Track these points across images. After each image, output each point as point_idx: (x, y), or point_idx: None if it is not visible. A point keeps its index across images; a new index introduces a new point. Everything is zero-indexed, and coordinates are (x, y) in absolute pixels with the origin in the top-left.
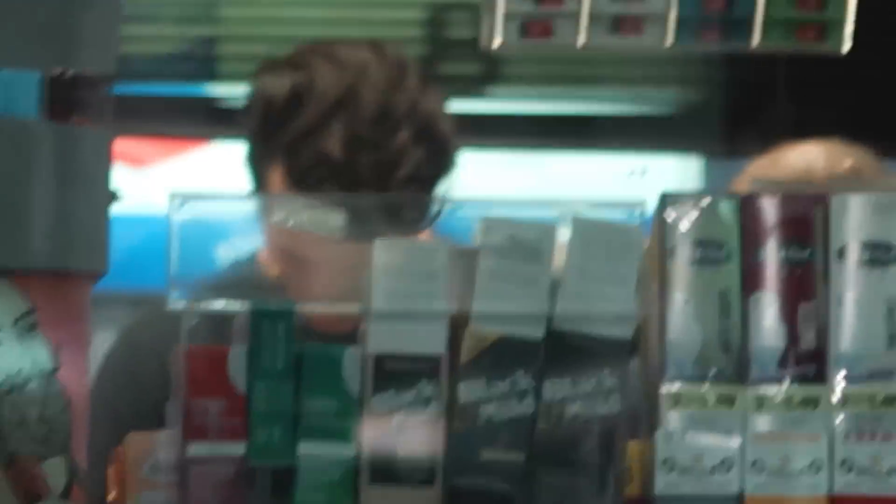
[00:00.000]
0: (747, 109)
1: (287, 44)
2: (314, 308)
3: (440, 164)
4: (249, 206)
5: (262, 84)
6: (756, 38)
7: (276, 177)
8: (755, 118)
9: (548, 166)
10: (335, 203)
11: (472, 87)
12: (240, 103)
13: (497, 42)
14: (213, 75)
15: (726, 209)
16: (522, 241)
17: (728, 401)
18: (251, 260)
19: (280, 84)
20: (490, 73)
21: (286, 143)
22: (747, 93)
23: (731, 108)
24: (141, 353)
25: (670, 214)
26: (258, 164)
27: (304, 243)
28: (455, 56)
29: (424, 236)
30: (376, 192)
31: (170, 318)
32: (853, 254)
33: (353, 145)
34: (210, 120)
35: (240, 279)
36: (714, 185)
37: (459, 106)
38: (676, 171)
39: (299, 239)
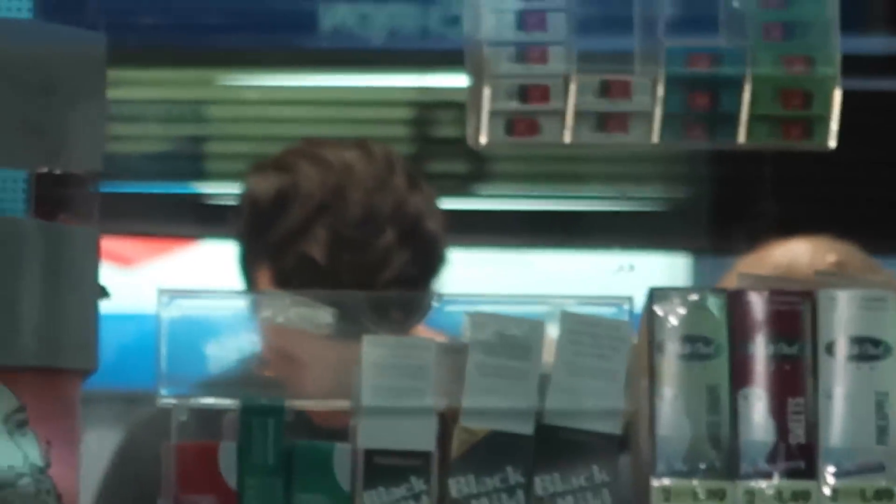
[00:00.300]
0: (734, 206)
1: (274, 143)
2: (303, 404)
3: (427, 264)
4: (238, 303)
5: (249, 186)
6: (742, 136)
7: (264, 278)
8: (742, 215)
9: (535, 263)
10: (324, 299)
11: (459, 185)
12: (227, 202)
13: (483, 140)
14: (200, 174)
15: (714, 305)
16: (511, 337)
17: (718, 495)
18: (253, 358)
19: (266, 186)
20: (477, 171)
21: (272, 245)
22: (734, 190)
23: (718, 204)
24: (143, 450)
25: (659, 310)
26: (247, 264)
27: (293, 340)
28: (442, 154)
29: (417, 332)
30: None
31: (166, 417)
32: (841, 349)
33: (337, 248)
34: (197, 219)
35: (237, 377)
36: (702, 282)
37: (447, 204)
38: (664, 267)
39: (289, 336)
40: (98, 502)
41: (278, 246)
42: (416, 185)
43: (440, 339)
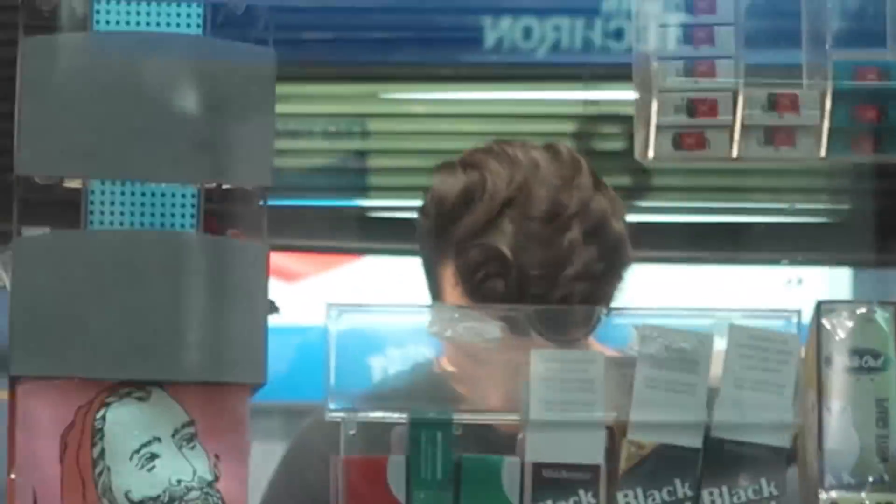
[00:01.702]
0: None
1: (437, 157)
2: (473, 419)
3: (611, 262)
4: (406, 317)
5: (435, 184)
6: None
7: (448, 274)
8: None
9: (702, 277)
10: (495, 312)
11: (623, 199)
12: (391, 216)
13: (651, 154)
14: (364, 189)
15: (882, 318)
16: (679, 350)
17: None
18: (427, 364)
19: (453, 183)
20: (643, 184)
21: (458, 241)
22: None
23: (883, 218)
24: (311, 458)
25: (827, 323)
26: (431, 262)
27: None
28: (607, 168)
29: (586, 344)
30: (545, 289)
31: (335, 425)
32: None
33: (523, 242)
34: (362, 233)
35: (410, 387)
36: (864, 295)
37: None
38: (827, 280)
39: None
40: None
41: (464, 241)
42: (600, 186)
43: (608, 352)
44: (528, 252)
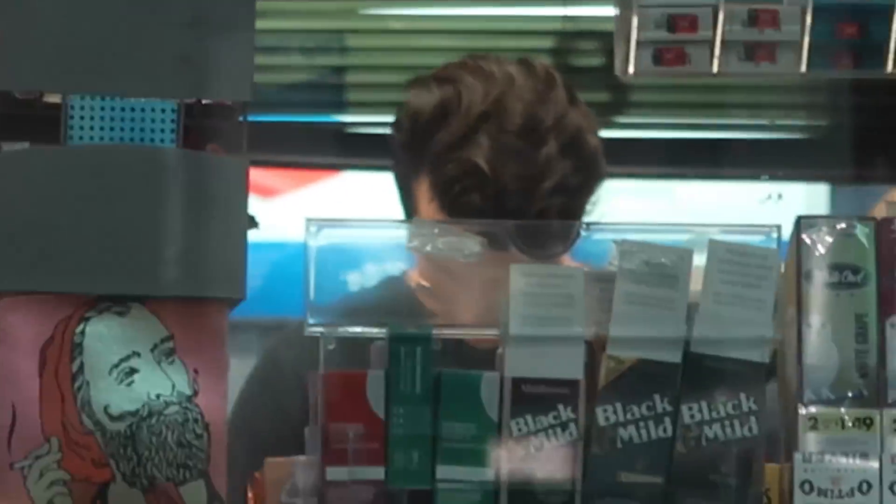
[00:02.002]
0: (878, 136)
1: (416, 73)
2: (452, 333)
3: (587, 176)
4: (385, 233)
5: (410, 98)
6: (890, 65)
7: (423, 189)
8: (885, 144)
9: (681, 193)
10: (474, 227)
11: (602, 115)
12: (370, 131)
13: (631, 70)
14: (343, 105)
15: (862, 233)
16: (659, 266)
17: (866, 423)
18: (400, 278)
19: (427, 98)
20: (621, 100)
21: (433, 154)
22: (878, 119)
23: (862, 134)
24: (282, 373)
25: (807, 238)
26: (405, 179)
27: (443, 267)
28: (586, 84)
29: (562, 262)
30: (521, 203)
31: (309, 340)
32: None
33: (500, 156)
34: (340, 149)
35: (380, 302)
36: (843, 211)
37: None
38: (805, 196)
39: (439, 263)
40: (235, 418)
41: (440, 155)
42: (575, 101)
43: (587, 268)
44: (505, 166)
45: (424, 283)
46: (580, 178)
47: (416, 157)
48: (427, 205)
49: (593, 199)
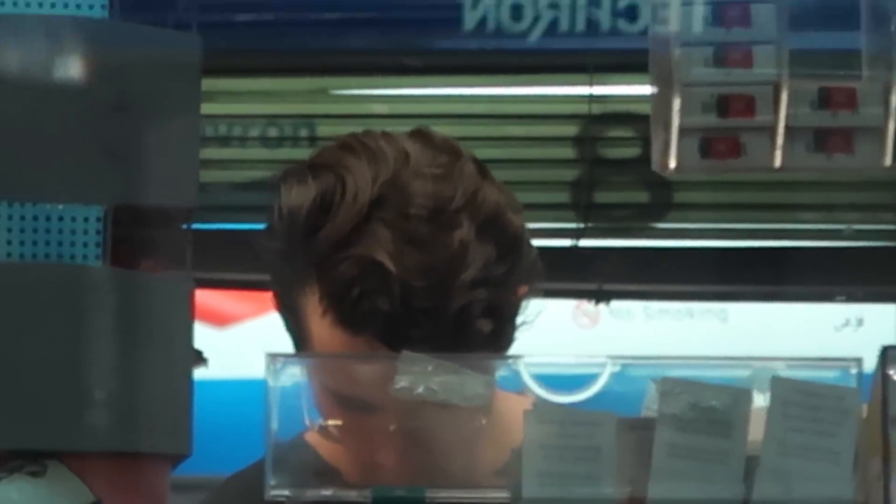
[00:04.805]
0: None
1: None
2: (450, 496)
3: (512, 264)
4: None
5: (281, 196)
6: None
7: (311, 303)
8: None
9: (734, 316)
10: (477, 360)
11: (637, 219)
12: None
13: (672, 164)
14: None
15: None
16: (709, 410)
17: None
18: (297, 441)
19: (303, 191)
20: (660, 201)
21: (318, 257)
22: None
23: None
24: None
25: (894, 373)
26: (287, 294)
27: (426, 415)
28: (617, 182)
29: (517, 400)
30: (437, 301)
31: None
32: None
33: (402, 247)
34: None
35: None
36: None
37: (624, 241)
38: (893, 321)
39: (421, 410)
40: None
41: (327, 257)
42: (486, 174)
43: (612, 415)
44: (411, 257)
45: (332, 431)
46: (506, 266)
47: (297, 266)
48: (319, 321)
49: (526, 295)
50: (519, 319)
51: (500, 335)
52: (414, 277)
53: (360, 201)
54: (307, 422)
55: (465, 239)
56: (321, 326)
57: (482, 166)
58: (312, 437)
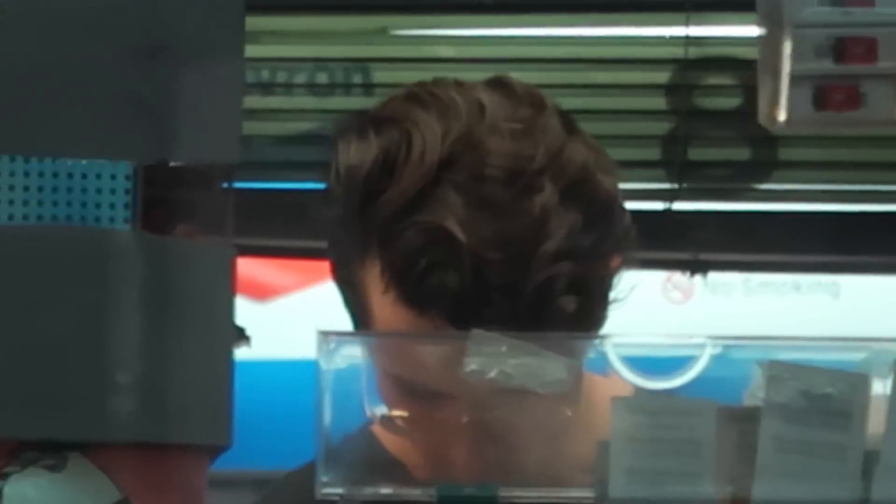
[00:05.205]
0: None
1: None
2: (526, 495)
3: (603, 232)
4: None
5: (339, 154)
6: None
7: (372, 276)
8: None
9: (849, 291)
10: (557, 340)
11: (739, 179)
12: None
13: (781, 116)
14: None
15: None
16: (823, 398)
17: None
18: (364, 433)
19: (364, 149)
20: (765, 159)
21: (380, 224)
22: None
23: None
24: None
25: None
26: (347, 265)
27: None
28: (714, 136)
29: (611, 388)
30: (514, 277)
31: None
32: None
33: (476, 214)
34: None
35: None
36: None
37: (721, 204)
38: None
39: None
40: None
41: (390, 224)
42: (574, 130)
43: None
44: (485, 226)
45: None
46: (594, 236)
47: (357, 233)
48: (380, 298)
49: (615, 268)
50: (610, 296)
51: (587, 314)
52: (488, 249)
53: (428, 161)
54: (367, 411)
55: (548, 204)
56: (382, 303)
57: (569, 120)
58: (378, 429)
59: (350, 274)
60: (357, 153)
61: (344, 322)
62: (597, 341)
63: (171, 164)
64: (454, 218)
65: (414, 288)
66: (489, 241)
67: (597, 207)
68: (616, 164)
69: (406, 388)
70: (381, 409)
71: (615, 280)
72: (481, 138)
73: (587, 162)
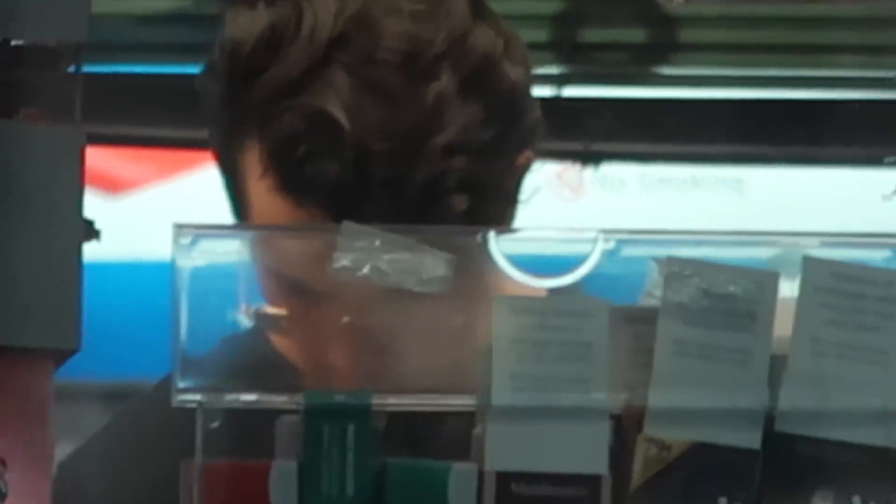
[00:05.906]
0: None
1: None
2: (402, 402)
3: (505, 127)
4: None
5: (226, 25)
6: None
7: (250, 160)
8: None
9: (752, 182)
10: (437, 234)
11: (635, 64)
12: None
13: None
14: None
15: None
16: (726, 297)
17: None
18: (254, 334)
19: (252, 21)
20: (663, 42)
21: (262, 104)
22: None
23: None
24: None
25: None
26: (226, 147)
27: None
28: (614, 17)
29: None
30: (400, 170)
31: (175, 413)
32: None
33: (363, 100)
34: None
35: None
36: None
37: (619, 90)
38: None
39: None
40: None
41: (272, 104)
42: (484, 13)
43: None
44: (373, 112)
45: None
46: (494, 130)
47: (238, 113)
48: (257, 183)
49: (520, 165)
50: (517, 197)
51: (481, 214)
52: (374, 138)
53: (318, 38)
54: (242, 308)
55: (444, 93)
56: (258, 190)
57: (479, 3)
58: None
59: (229, 159)
60: (244, 26)
61: (209, 218)
62: (478, 234)
63: (12, 42)
64: (339, 102)
65: (291, 175)
66: (376, 129)
67: (500, 99)
68: (528, 55)
69: (285, 284)
70: (256, 306)
71: (521, 179)
72: (378, 18)
73: (493, 50)
